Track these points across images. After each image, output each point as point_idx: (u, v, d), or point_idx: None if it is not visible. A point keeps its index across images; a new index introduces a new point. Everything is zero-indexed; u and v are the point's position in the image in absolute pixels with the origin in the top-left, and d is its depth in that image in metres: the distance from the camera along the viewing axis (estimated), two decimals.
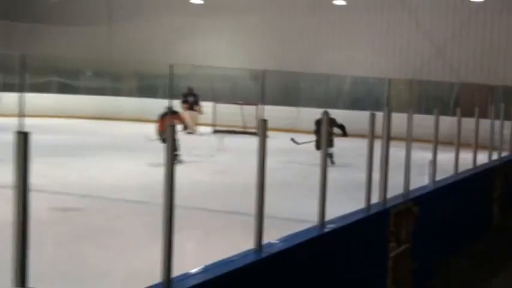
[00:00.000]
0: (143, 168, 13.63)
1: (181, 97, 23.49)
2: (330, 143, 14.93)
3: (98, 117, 26.48)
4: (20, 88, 13.96)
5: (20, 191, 2.61)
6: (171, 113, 15.48)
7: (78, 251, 7.51)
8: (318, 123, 15.27)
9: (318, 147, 15.23)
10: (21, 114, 17.79)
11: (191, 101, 23.61)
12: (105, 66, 29.68)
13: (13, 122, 19.93)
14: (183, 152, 13.78)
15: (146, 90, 28.76)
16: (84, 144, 18.74)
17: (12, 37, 31.90)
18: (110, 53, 29.26)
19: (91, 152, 16.87)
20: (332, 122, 15.29)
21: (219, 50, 28.58)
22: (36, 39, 30.66)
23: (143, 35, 29.33)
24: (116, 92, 29.04)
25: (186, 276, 3.46)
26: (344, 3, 26.18)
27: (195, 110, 23.37)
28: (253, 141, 4.41)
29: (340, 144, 14.99)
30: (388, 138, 6.06)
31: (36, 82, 27.99)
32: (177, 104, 20.92)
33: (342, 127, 15.62)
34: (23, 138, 2.61)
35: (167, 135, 3.48)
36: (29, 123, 16.38)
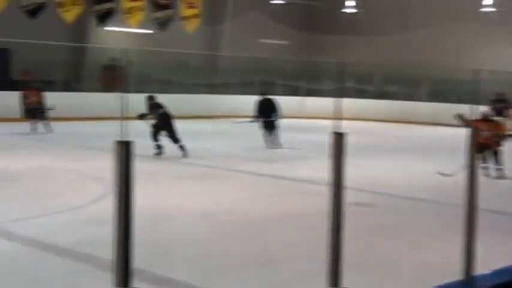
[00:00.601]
0: (435, 169, 13.31)
1: (490, 103, 20.91)
2: None
3: (391, 120, 26.71)
4: (338, 93, 14.24)
5: (336, 186, 2.68)
6: (485, 121, 13.39)
7: (372, 243, 7.56)
8: None
9: None
10: (336, 117, 18.31)
11: (498, 107, 20.90)
12: (397, 72, 29.70)
13: (313, 123, 20.61)
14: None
15: (437, 95, 28.20)
16: (378, 145, 18.96)
17: (312, 47, 33.33)
18: (401, 59, 29.22)
19: (384, 152, 17.00)
20: None
21: (508, 54, 27.18)
22: (334, 49, 31.71)
23: (434, 42, 28.87)
24: (407, 97, 28.98)
25: (487, 276, 3.30)
26: None
27: (505, 116, 20.18)
28: None
29: None
30: None
31: (335, 88, 28.97)
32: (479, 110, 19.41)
33: None
34: (339, 138, 2.67)
35: (470, 138, 3.35)
36: (328, 124, 16.91)
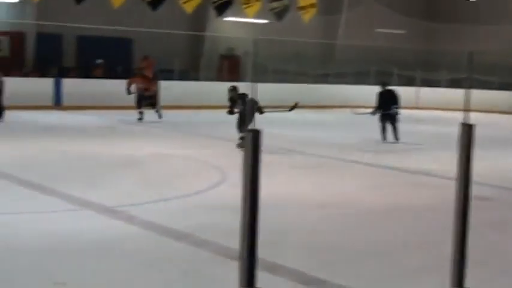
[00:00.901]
0: None
1: None
2: None
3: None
4: (468, 84, 13.56)
5: (464, 179, 2.59)
6: None
7: (492, 239, 7.30)
8: None
9: None
10: (466, 109, 17.79)
11: None
12: None
13: (430, 114, 20.00)
14: None
15: None
16: (500, 137, 18.53)
17: (430, 36, 32.55)
18: None
19: (507, 145, 16.53)
20: None
21: None
22: (453, 38, 30.85)
23: None
24: None
25: None
26: None
27: None
28: None
29: None
30: None
31: (452, 78, 28.27)
32: None
33: None
34: (468, 129, 2.58)
35: None
36: (444, 116, 16.49)
